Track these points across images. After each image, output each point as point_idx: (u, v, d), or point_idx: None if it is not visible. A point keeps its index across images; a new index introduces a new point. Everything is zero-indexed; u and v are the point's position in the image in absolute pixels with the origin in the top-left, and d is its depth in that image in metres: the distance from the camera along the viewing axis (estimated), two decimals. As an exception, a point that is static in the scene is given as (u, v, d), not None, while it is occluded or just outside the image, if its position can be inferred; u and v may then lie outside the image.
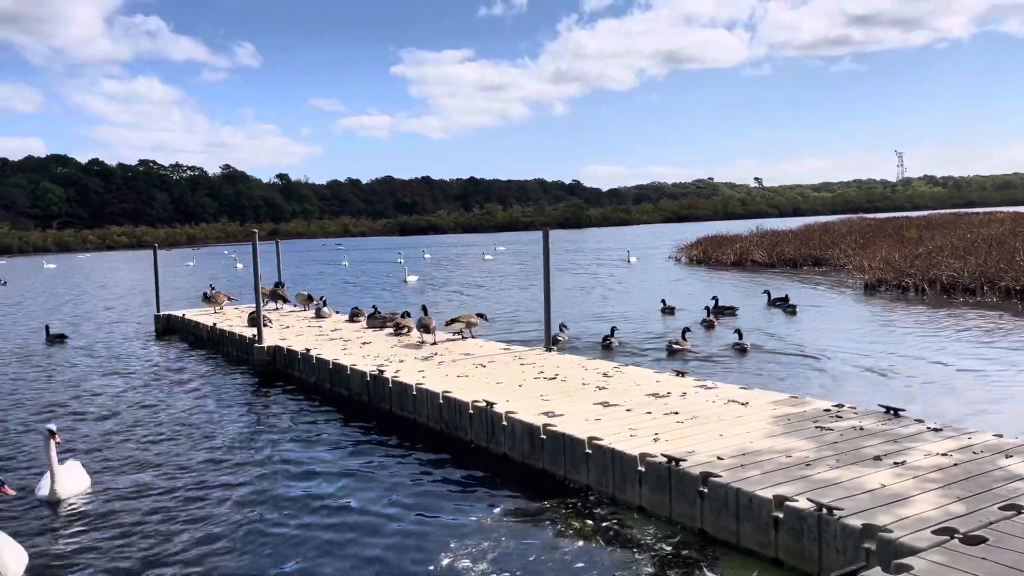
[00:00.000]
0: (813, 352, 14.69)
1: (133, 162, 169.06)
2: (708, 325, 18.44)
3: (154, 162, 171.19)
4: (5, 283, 43.53)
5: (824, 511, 5.28)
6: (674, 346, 14.94)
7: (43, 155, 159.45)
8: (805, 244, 38.88)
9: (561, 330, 16.82)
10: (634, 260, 46.53)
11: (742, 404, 8.54)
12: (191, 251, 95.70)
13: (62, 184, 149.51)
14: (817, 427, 7.47)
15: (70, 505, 7.74)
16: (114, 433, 10.63)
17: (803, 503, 5.48)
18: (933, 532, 4.88)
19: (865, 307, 21.61)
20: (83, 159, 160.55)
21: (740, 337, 15.31)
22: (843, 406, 8.29)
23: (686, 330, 15.75)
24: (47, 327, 21.35)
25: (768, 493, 5.70)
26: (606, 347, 15.68)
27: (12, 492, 6.73)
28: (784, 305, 21.14)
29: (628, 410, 8.45)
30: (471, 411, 9.04)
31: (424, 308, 16.56)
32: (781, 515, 5.56)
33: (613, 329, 16.42)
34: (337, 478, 8.29)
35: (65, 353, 18.31)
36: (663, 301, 21.94)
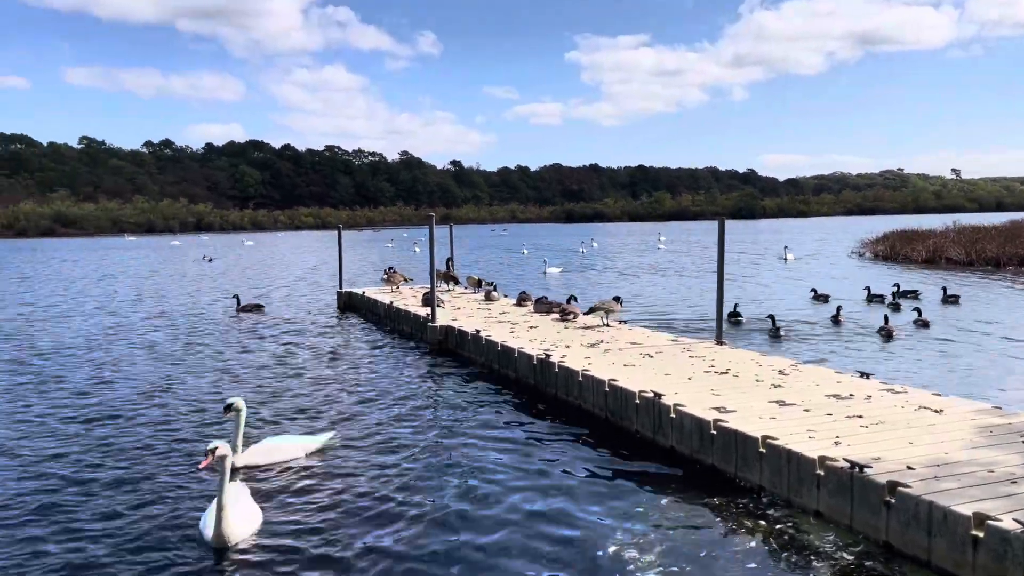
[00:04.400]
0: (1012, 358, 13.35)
1: (320, 147, 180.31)
2: (894, 308, 19.74)
3: (339, 148, 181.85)
4: (211, 260, 47.66)
5: (1034, 535, 4.78)
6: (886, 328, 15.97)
7: (242, 140, 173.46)
8: (1011, 241, 35.31)
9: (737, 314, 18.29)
10: (791, 258, 40.79)
11: (935, 411, 7.89)
12: (372, 232, 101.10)
13: (258, 168, 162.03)
14: (1025, 442, 6.78)
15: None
16: (293, 404, 11.42)
17: (1008, 523, 4.99)
18: None
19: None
20: (276, 144, 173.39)
21: (920, 315, 17.20)
22: (1057, 421, 7.46)
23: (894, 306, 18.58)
24: (237, 297, 23.39)
25: (967, 509, 5.24)
26: (775, 336, 16.10)
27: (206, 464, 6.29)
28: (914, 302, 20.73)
29: (806, 410, 8.03)
30: (638, 401, 8.94)
31: (572, 297, 17.58)
32: (982, 534, 5.09)
33: (772, 317, 16.97)
34: (503, 459, 8.45)
35: (256, 323, 19.86)
36: (813, 290, 23.05)
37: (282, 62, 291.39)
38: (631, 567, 5.76)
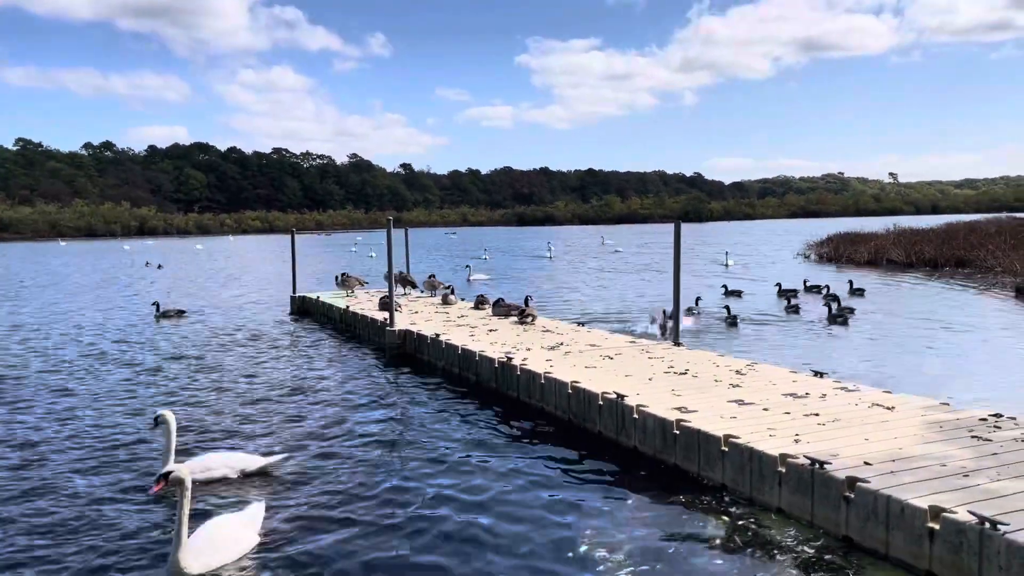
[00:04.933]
0: (957, 355, 13.86)
1: (267, 150, 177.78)
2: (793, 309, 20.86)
3: (286, 150, 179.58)
4: (160, 266, 46.56)
5: (987, 525, 5.00)
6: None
7: (187, 143, 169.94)
8: (948, 244, 36.59)
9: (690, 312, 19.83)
10: (731, 263, 39.94)
11: (887, 408, 8.17)
12: (323, 236, 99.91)
13: (203, 171, 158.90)
14: (973, 436, 7.06)
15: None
16: (247, 410, 11.27)
17: (963, 515, 5.20)
18: (1115, 556, 4.53)
19: (1018, 313, 20.17)
20: (222, 147, 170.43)
21: (838, 303, 19.21)
22: (1002, 416, 7.79)
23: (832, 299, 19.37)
24: (156, 304, 22.67)
25: (923, 503, 5.44)
26: (732, 324, 18.14)
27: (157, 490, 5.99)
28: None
29: (765, 409, 8.24)
30: (600, 402, 9.05)
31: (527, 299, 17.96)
32: (937, 526, 5.29)
33: (697, 299, 20.53)
34: (467, 462, 8.47)
35: (201, 330, 19.50)
36: (724, 286, 24.79)
37: (228, 63, 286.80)
38: (600, 567, 5.84)
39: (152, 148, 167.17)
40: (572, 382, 9.72)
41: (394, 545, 6.35)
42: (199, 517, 6.59)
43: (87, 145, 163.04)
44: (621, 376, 10.15)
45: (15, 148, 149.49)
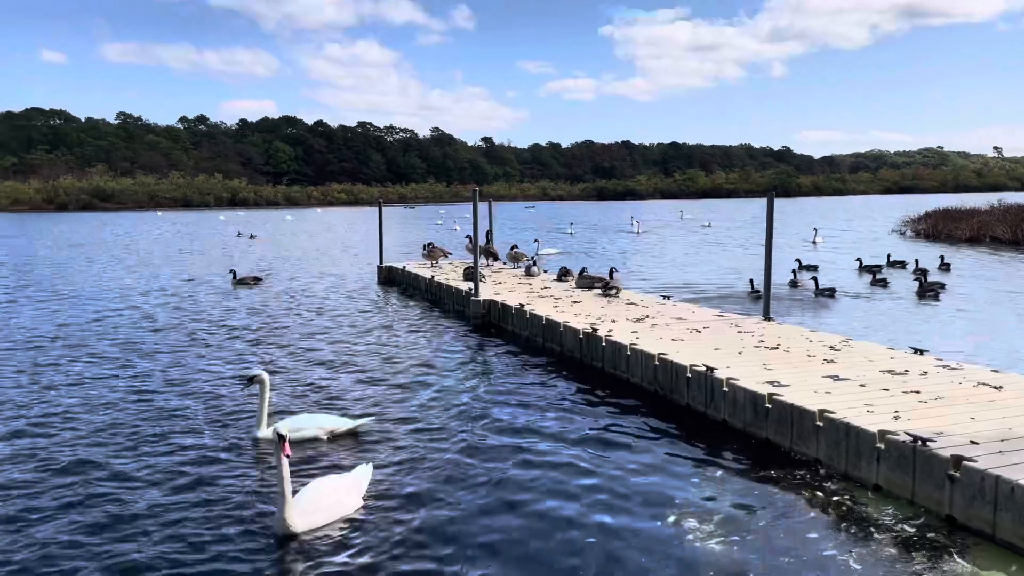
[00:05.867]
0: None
1: (352, 124, 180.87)
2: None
3: (371, 124, 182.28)
4: (253, 236, 48.02)
5: (1108, 510, 4.75)
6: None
7: (276, 116, 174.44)
8: (1059, 221, 34.49)
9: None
10: (820, 241, 37.44)
11: (995, 388, 7.81)
12: (406, 209, 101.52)
13: (291, 144, 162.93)
14: (1090, 419, 6.69)
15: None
16: (334, 375, 11.58)
17: (1080, 499, 4.95)
18: None
19: None
20: (309, 120, 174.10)
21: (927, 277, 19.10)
22: (1121, 399, 7.35)
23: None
24: (233, 272, 23.69)
25: (1035, 484, 5.21)
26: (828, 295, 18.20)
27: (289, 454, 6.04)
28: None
29: (862, 385, 7.99)
30: (689, 375, 8.95)
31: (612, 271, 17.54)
32: (1051, 509, 5.06)
33: (815, 279, 19.63)
34: (553, 432, 8.53)
35: (293, 298, 20.10)
36: (798, 260, 23.93)
37: (314, 37, 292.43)
38: (690, 536, 5.82)
39: (243, 122, 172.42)
40: (659, 354, 9.64)
41: (484, 512, 6.45)
42: (299, 478, 6.84)
43: (183, 119, 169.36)
44: (710, 349, 10.01)
45: (117, 122, 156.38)
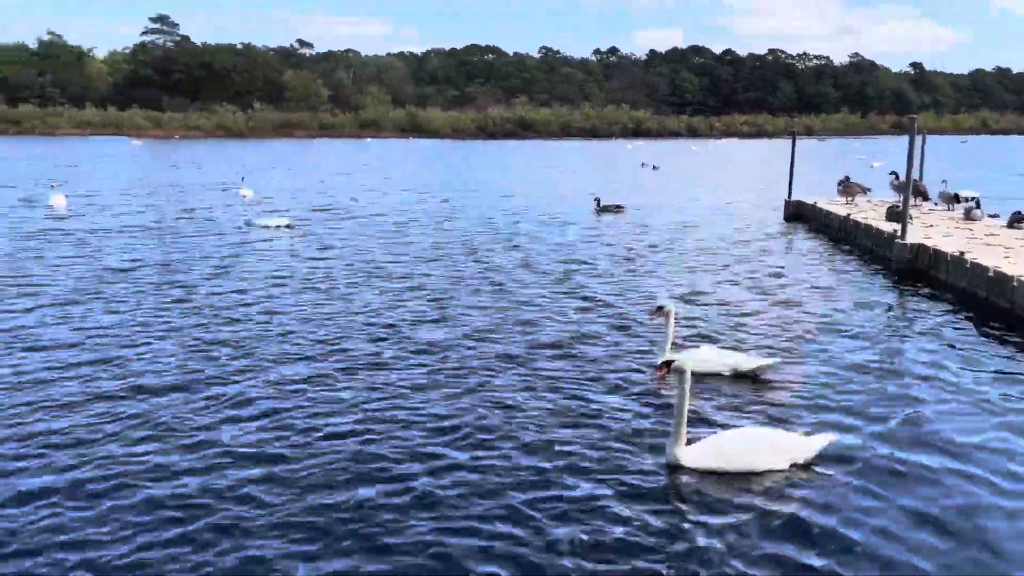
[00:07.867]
0: None
1: (762, 51, 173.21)
2: None
3: (782, 51, 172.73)
4: (656, 167, 48.74)
5: None
6: None
7: (682, 46, 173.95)
8: None
9: None
10: None
11: None
12: (816, 141, 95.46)
13: (697, 74, 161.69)
14: None
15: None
16: (734, 311, 11.18)
17: None
18: None
19: None
20: (716, 49, 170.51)
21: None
22: None
23: None
24: (597, 199, 23.55)
25: None
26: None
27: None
28: None
29: None
30: None
31: None
32: None
33: None
34: (995, 404, 7.33)
35: (694, 231, 19.94)
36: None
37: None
38: None
39: (652, 52, 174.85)
40: None
41: (901, 490, 5.80)
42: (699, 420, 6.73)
43: (596, 51, 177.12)
44: None
45: (538, 56, 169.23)
